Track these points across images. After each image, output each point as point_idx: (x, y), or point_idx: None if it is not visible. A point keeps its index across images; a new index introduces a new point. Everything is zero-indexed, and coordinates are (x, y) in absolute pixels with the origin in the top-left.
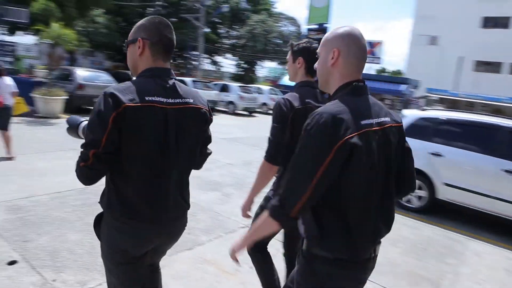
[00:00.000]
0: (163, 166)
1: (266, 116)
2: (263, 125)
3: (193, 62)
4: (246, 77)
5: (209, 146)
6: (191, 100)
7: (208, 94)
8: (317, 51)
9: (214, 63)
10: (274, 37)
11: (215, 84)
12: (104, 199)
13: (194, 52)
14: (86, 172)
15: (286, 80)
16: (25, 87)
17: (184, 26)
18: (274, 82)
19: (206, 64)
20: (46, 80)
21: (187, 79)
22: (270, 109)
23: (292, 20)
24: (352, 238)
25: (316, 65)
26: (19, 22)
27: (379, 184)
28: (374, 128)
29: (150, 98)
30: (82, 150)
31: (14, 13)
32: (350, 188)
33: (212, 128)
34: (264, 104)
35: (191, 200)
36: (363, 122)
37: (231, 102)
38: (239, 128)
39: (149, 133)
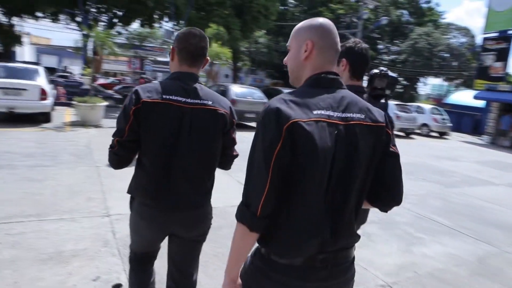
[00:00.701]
0: (174, 158)
1: (426, 139)
2: (422, 149)
3: None
4: (405, 94)
5: None
6: (210, 102)
7: None
8: (287, 44)
9: None
10: (441, 50)
11: None
12: (129, 185)
13: None
14: (113, 157)
15: (454, 98)
16: None
17: (341, 43)
18: (438, 100)
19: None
20: None
21: None
22: (432, 131)
23: (464, 30)
24: (284, 236)
25: (285, 60)
26: None
27: (331, 183)
28: (331, 120)
29: (168, 97)
30: (112, 138)
31: None
32: (296, 178)
33: None
34: (425, 125)
35: None
36: (316, 112)
37: None
38: None
39: (162, 126)
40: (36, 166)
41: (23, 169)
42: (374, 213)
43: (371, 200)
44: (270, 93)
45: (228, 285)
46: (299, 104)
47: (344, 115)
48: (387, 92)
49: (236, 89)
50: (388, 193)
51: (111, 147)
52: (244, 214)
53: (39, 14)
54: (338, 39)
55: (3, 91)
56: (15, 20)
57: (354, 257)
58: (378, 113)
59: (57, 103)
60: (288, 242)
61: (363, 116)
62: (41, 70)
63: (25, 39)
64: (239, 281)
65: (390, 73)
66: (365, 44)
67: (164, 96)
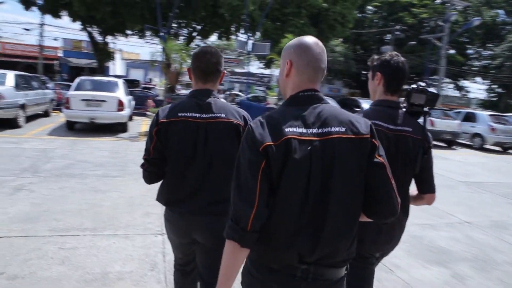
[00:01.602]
0: (191, 168)
1: None
2: None
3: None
4: (500, 104)
5: (437, 191)
6: (223, 115)
7: (447, 124)
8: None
9: (459, 88)
10: None
11: (457, 113)
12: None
13: (434, 77)
14: (144, 173)
15: None
16: (259, 112)
17: (425, 49)
18: None
19: (448, 90)
20: (276, 106)
21: None
22: None
23: None
24: (263, 246)
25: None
26: (262, 55)
27: (309, 197)
28: (304, 137)
29: (183, 114)
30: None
31: (260, 47)
32: (275, 194)
33: (447, 166)
34: None
35: (400, 274)
36: (288, 130)
37: (477, 135)
38: (486, 169)
39: (180, 141)
40: (104, 176)
41: (92, 178)
42: (466, 245)
43: (366, 213)
44: (346, 103)
45: None
46: (271, 126)
47: (320, 130)
48: (426, 109)
49: None
50: (380, 205)
51: (142, 165)
52: (234, 230)
53: (128, 32)
54: (321, 57)
55: (86, 102)
56: (108, 39)
57: (342, 278)
58: (361, 125)
59: (137, 113)
60: (266, 252)
61: (343, 129)
62: (120, 83)
63: (117, 55)
64: None
65: (430, 89)
66: (403, 57)
67: (179, 114)
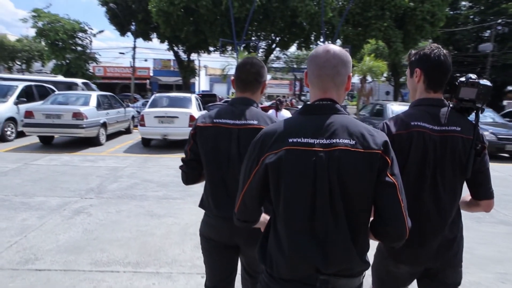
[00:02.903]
0: (227, 174)
1: None
2: None
3: None
4: None
5: None
6: (255, 122)
7: None
8: None
9: None
10: None
11: None
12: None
13: None
14: (182, 174)
15: None
16: None
17: None
18: None
19: None
20: (355, 116)
21: None
22: None
23: None
24: (276, 259)
25: None
26: None
27: (316, 209)
28: (309, 148)
29: (218, 120)
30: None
31: None
32: (279, 204)
33: None
34: None
35: None
36: (291, 140)
37: None
38: None
39: (213, 146)
40: (164, 198)
41: (151, 200)
42: None
43: (374, 233)
44: None
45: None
46: (278, 133)
47: (328, 141)
48: (478, 104)
49: (395, 108)
50: (386, 227)
51: (181, 166)
52: (233, 213)
53: (210, 48)
54: (327, 64)
55: (159, 119)
56: (193, 56)
57: (360, 285)
58: (375, 138)
59: None
60: (280, 266)
61: (353, 142)
62: (193, 98)
63: (202, 71)
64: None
65: (482, 81)
66: (445, 50)
67: (215, 120)
